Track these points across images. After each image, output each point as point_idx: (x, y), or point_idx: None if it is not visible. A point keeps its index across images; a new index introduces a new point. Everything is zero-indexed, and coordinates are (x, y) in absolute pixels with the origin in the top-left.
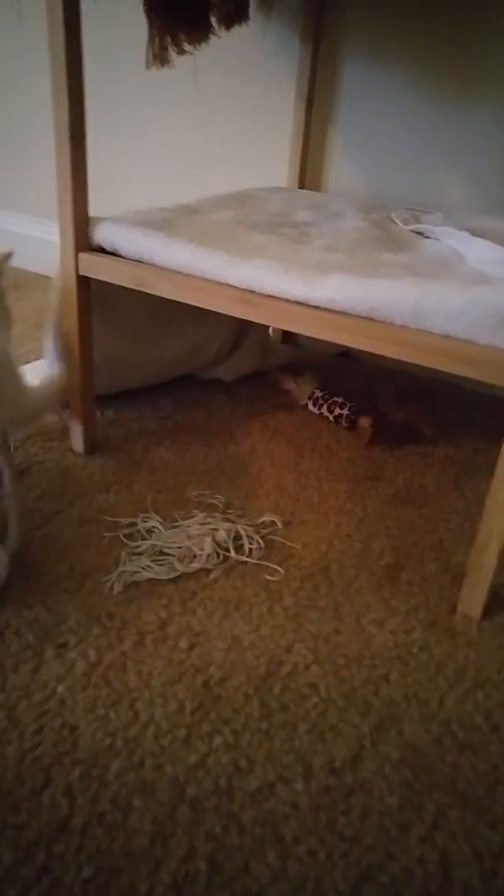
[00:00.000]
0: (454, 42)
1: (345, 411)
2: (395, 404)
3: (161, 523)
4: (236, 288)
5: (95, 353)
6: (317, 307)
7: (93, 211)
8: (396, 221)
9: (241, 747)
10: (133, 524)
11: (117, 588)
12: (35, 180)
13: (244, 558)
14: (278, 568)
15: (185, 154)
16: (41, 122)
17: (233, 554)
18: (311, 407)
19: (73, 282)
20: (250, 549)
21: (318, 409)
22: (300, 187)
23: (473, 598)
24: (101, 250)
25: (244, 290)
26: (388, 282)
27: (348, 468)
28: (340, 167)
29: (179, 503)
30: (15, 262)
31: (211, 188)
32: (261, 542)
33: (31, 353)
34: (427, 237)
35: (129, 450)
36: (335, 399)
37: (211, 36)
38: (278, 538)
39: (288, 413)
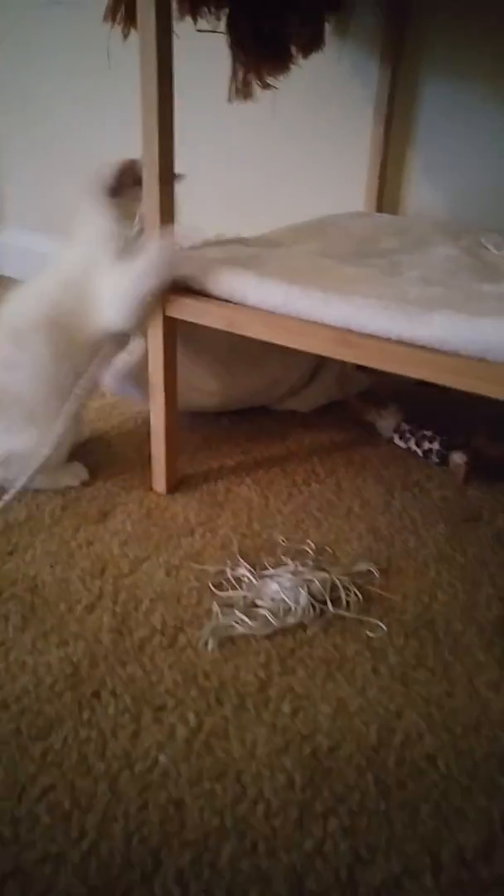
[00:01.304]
0: None
1: (435, 446)
2: (489, 437)
3: (250, 571)
4: (334, 328)
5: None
6: (422, 347)
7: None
8: (489, 247)
9: (359, 832)
10: (222, 572)
11: (212, 645)
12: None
13: (342, 612)
14: (380, 623)
15: (260, 177)
16: (78, 143)
17: (330, 607)
18: (396, 440)
19: (159, 322)
20: (348, 602)
21: (405, 442)
22: (378, 210)
23: None
24: (186, 286)
25: (342, 329)
26: (500, 320)
27: (443, 508)
28: (420, 189)
29: (267, 548)
30: None
31: (287, 210)
32: (358, 593)
33: None
34: None
35: (211, 488)
36: (423, 433)
37: (292, 66)
38: (376, 588)
39: (372, 447)
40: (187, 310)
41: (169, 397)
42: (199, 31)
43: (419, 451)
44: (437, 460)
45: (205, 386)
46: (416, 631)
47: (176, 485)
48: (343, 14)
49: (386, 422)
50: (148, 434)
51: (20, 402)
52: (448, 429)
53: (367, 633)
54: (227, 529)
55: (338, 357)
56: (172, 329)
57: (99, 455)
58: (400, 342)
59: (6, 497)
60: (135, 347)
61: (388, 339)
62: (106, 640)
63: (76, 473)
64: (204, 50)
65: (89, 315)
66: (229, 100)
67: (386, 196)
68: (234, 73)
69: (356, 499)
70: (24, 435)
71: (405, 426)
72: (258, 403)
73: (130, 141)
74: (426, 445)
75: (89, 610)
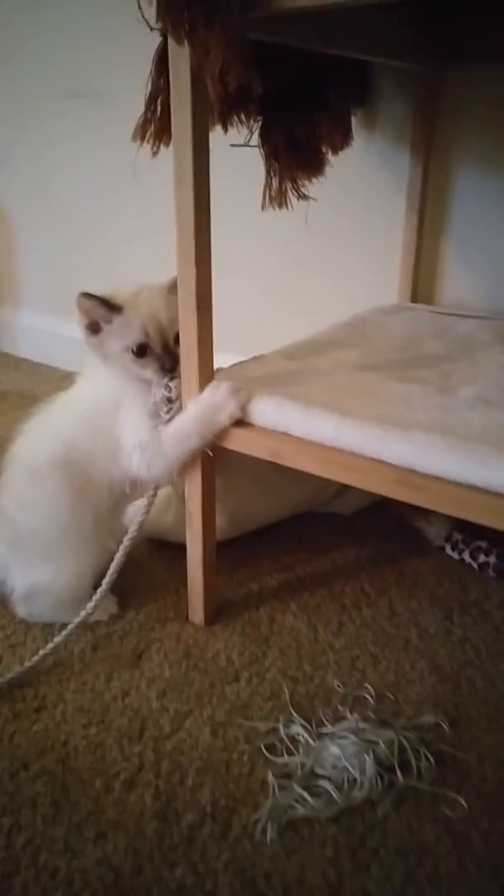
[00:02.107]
0: None
1: (491, 559)
2: None
3: (306, 729)
4: (394, 466)
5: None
6: (498, 493)
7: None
8: None
9: None
10: (274, 730)
11: (270, 833)
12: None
13: (414, 783)
14: (458, 798)
15: (293, 272)
16: (94, 229)
17: (399, 776)
18: (448, 550)
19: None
20: (418, 768)
21: (458, 553)
22: (412, 301)
23: None
24: None
25: (404, 469)
26: None
27: None
28: (455, 279)
29: (322, 696)
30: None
31: (323, 304)
32: (429, 755)
33: None
34: None
35: (253, 618)
36: (478, 543)
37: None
38: (447, 747)
39: (422, 558)
40: (230, 439)
41: (207, 526)
42: (233, 146)
43: (474, 564)
44: (494, 574)
45: (245, 510)
46: (501, 808)
47: (215, 614)
48: (370, 107)
49: (435, 529)
50: (179, 552)
51: (39, 538)
52: None
53: (446, 810)
54: (275, 672)
55: (402, 499)
56: (212, 458)
57: (128, 579)
58: (470, 486)
59: (49, 646)
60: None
61: (457, 483)
62: (149, 830)
63: (105, 607)
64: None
65: (107, 458)
66: (262, 208)
67: (420, 286)
68: (269, 182)
69: (413, 627)
70: (44, 569)
71: (457, 535)
72: (300, 512)
73: (148, 231)
74: (482, 558)
75: (128, 787)
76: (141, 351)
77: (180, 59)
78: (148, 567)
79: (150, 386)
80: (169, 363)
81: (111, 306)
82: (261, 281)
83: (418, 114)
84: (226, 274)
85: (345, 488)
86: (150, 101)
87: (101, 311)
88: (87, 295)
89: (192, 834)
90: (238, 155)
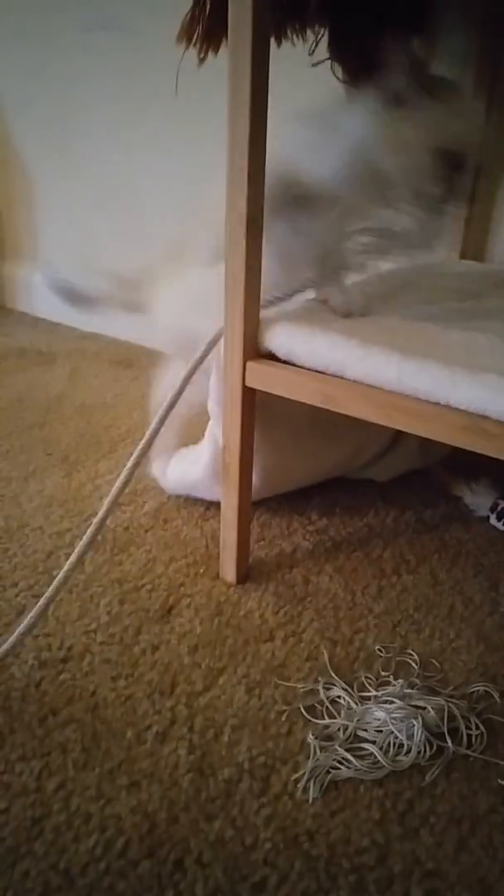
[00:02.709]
0: None
1: None
2: None
3: (348, 692)
4: (464, 412)
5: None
6: None
7: None
8: None
9: None
10: (313, 692)
11: (313, 792)
12: (142, 249)
13: (464, 751)
14: None
15: None
16: (119, 175)
17: (450, 744)
18: (493, 520)
19: (238, 394)
20: (469, 736)
21: None
22: (462, 258)
23: None
24: (272, 355)
25: (476, 415)
26: None
27: None
28: None
29: (363, 660)
30: (120, 335)
31: None
32: (480, 724)
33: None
34: None
35: (287, 578)
36: None
37: None
38: (497, 717)
39: (465, 527)
40: (274, 381)
41: (244, 480)
42: (315, 64)
43: None
44: None
45: (285, 467)
46: None
47: (247, 572)
48: (428, 35)
49: (480, 498)
50: (209, 509)
51: None
52: None
53: (500, 780)
54: (312, 633)
55: (471, 448)
56: (252, 402)
57: (154, 534)
58: None
59: None
60: (198, 457)
61: None
62: (185, 782)
63: None
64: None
65: None
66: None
67: (471, 242)
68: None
69: (457, 595)
70: None
71: (503, 504)
72: (336, 475)
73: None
74: None
75: (162, 739)
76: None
77: None
78: (177, 523)
79: None
80: None
81: None
82: None
83: (482, 49)
84: None
85: (384, 453)
86: None
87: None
88: None
89: (229, 789)
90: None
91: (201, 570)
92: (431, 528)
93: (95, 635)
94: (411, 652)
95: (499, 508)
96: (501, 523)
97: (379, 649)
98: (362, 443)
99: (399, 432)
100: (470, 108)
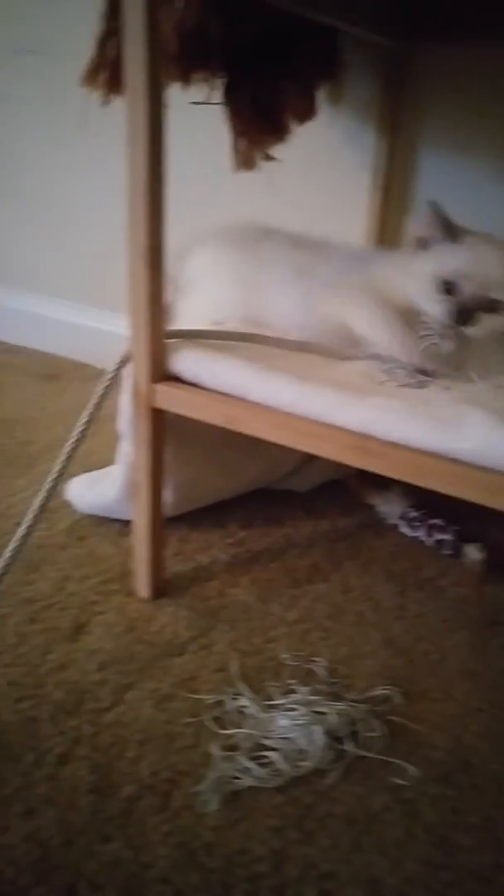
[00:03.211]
0: None
1: (447, 536)
2: None
3: (254, 701)
4: (353, 433)
5: (165, 479)
6: (455, 460)
7: None
8: None
9: None
10: (220, 703)
11: (213, 803)
12: (72, 264)
13: (364, 752)
14: (407, 766)
15: None
16: (52, 194)
17: (349, 747)
18: (403, 528)
19: (146, 414)
20: (369, 739)
21: (413, 531)
22: None
23: None
24: (177, 376)
25: (363, 436)
26: None
27: (462, 611)
28: None
29: (271, 669)
30: (49, 349)
31: None
32: (380, 726)
33: (76, 461)
34: None
35: (202, 592)
36: (434, 521)
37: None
38: (399, 718)
39: (377, 535)
40: (179, 402)
41: (154, 497)
42: (194, 103)
43: (429, 542)
44: (450, 552)
45: (200, 483)
46: (451, 775)
47: (162, 588)
48: (337, 81)
49: (391, 506)
50: (123, 527)
51: None
52: (461, 516)
53: (395, 779)
54: (223, 645)
55: (359, 466)
56: (160, 421)
57: (70, 552)
58: (428, 453)
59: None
60: (112, 478)
61: (416, 449)
62: (83, 803)
63: None
64: (193, 120)
65: None
66: (236, 170)
67: None
68: (235, 144)
69: (367, 601)
70: None
71: (412, 512)
72: (255, 488)
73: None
74: (437, 536)
75: (63, 761)
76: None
77: None
78: (92, 541)
79: None
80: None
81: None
82: None
83: (385, 91)
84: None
85: (301, 465)
86: (102, 43)
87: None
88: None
89: (129, 807)
90: (197, 116)
91: (116, 587)
92: (345, 537)
93: (1, 657)
94: (319, 659)
95: (408, 517)
96: (411, 530)
97: (288, 658)
98: (280, 455)
99: None
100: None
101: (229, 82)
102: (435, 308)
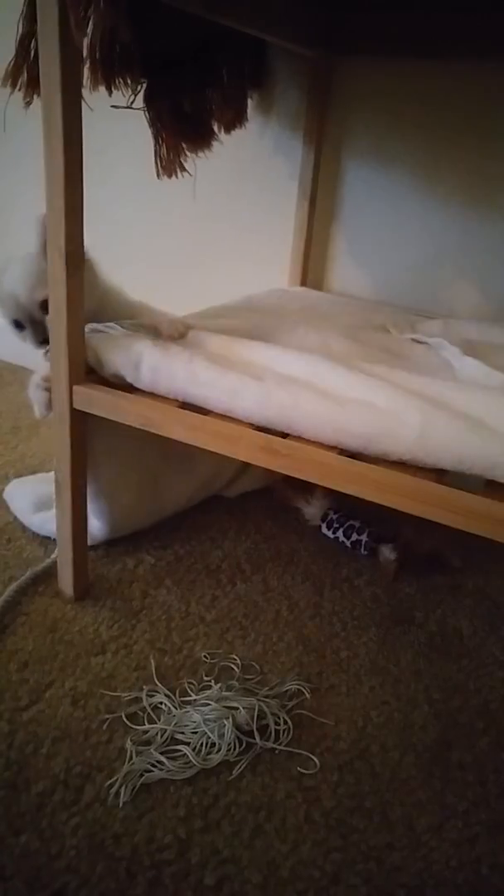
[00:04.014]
0: (461, 146)
1: (363, 537)
2: (419, 530)
3: (170, 698)
4: (260, 434)
5: (102, 504)
6: (356, 460)
7: None
8: (391, 330)
9: None
10: (137, 700)
11: (124, 795)
12: None
13: (270, 745)
14: (311, 756)
15: (183, 255)
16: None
17: (257, 740)
18: (324, 530)
19: (66, 416)
20: (277, 732)
21: (333, 532)
22: (302, 286)
23: None
24: (102, 379)
25: (268, 437)
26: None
27: (374, 609)
28: (343, 268)
29: (188, 667)
30: None
31: (216, 288)
32: (287, 720)
33: (10, 464)
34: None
35: (126, 593)
36: (352, 523)
37: (213, 143)
38: (306, 712)
39: (300, 537)
40: (98, 404)
41: (76, 499)
42: (114, 107)
43: (347, 543)
44: (365, 552)
45: (134, 510)
46: (351, 763)
47: (86, 589)
48: (266, 92)
49: (313, 509)
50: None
51: None
52: (376, 518)
53: (300, 769)
54: (143, 644)
55: (269, 467)
56: (81, 423)
57: None
58: (329, 447)
59: None
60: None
61: (317, 443)
62: None
63: None
64: (124, 127)
65: None
66: (158, 176)
67: (310, 274)
68: (157, 150)
69: (284, 600)
70: None
71: (333, 515)
72: (194, 504)
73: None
74: (354, 536)
75: None
76: (17, 325)
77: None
78: (20, 543)
79: None
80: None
81: None
82: (152, 256)
83: (311, 102)
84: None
85: (235, 478)
86: (22, 44)
87: None
88: None
89: (41, 801)
90: (128, 122)
91: (41, 589)
92: (269, 539)
93: None
94: (235, 657)
95: (328, 518)
96: (331, 532)
97: (205, 656)
98: (216, 470)
99: None
100: None
101: (150, 88)
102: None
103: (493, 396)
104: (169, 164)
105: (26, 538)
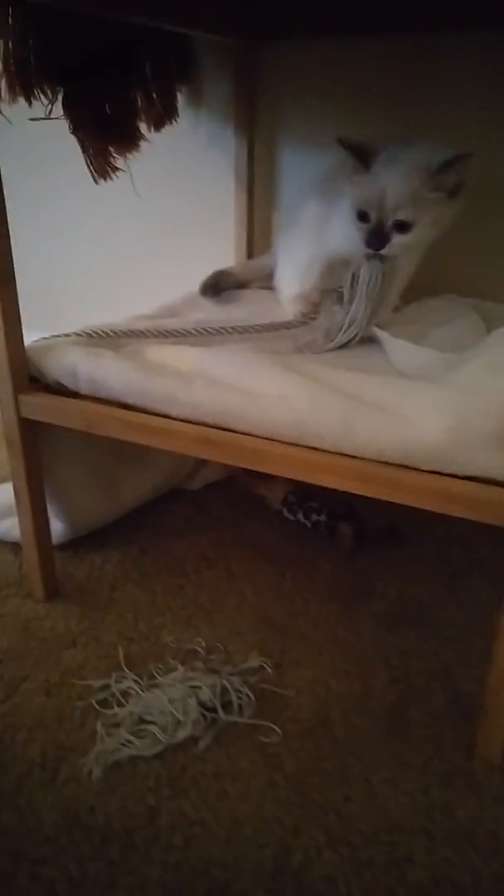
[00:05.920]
0: (393, 123)
1: (322, 517)
2: (374, 505)
3: (137, 682)
4: (195, 427)
5: (59, 505)
6: (281, 443)
7: (34, 324)
8: None
9: None
10: (106, 686)
11: (96, 773)
12: None
13: (234, 718)
14: (273, 726)
15: (127, 253)
16: None
17: (221, 714)
18: (286, 513)
19: (15, 425)
20: (240, 706)
21: (294, 515)
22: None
23: (492, 743)
24: (48, 387)
25: (203, 429)
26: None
27: (335, 585)
28: None
29: (155, 653)
30: None
31: (162, 284)
32: (250, 694)
33: None
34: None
35: (94, 589)
36: (311, 504)
37: (141, 142)
38: (269, 686)
39: (262, 522)
40: (43, 411)
41: (35, 505)
42: (32, 119)
43: (308, 524)
44: (325, 532)
45: (90, 509)
46: (312, 730)
47: (55, 588)
48: (195, 85)
49: (274, 494)
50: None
51: None
52: (334, 498)
53: (262, 738)
54: (112, 635)
55: (207, 458)
56: (32, 431)
57: None
58: (258, 437)
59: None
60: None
61: (248, 434)
62: None
63: None
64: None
65: None
66: (96, 181)
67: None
68: (86, 156)
69: (248, 583)
70: None
71: (292, 497)
72: (153, 498)
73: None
74: (314, 517)
75: None
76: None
77: None
78: None
79: None
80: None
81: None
82: (97, 257)
83: (238, 91)
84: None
85: (196, 469)
86: None
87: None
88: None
89: (19, 783)
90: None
91: (13, 591)
92: (232, 526)
93: None
94: (200, 640)
95: (288, 501)
96: (292, 514)
97: (171, 641)
98: (176, 464)
99: None
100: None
101: (67, 95)
102: (354, 240)
103: (411, 385)
104: (100, 167)
105: None
